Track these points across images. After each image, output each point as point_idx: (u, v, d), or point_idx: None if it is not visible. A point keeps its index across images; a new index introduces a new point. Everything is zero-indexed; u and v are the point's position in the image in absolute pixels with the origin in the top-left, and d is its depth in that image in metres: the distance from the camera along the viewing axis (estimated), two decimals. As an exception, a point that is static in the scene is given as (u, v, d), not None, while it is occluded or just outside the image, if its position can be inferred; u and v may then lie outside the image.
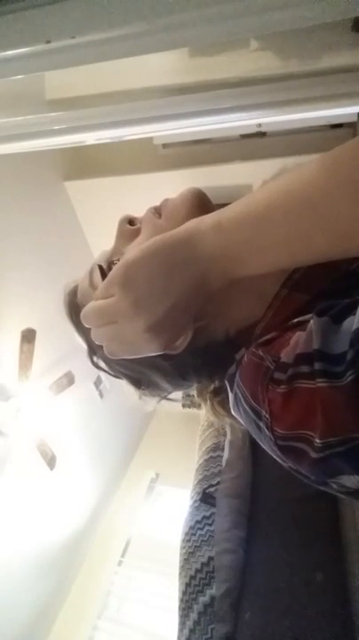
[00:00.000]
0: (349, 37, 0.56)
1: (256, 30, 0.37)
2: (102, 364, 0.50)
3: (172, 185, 2.34)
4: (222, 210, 0.34)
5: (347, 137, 2.04)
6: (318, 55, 0.58)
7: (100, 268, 0.45)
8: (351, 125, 2.00)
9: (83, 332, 0.50)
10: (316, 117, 1.00)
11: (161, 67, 0.63)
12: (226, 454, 1.47)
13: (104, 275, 0.45)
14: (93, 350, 0.50)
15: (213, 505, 1.31)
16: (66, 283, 0.53)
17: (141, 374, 0.48)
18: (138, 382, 0.50)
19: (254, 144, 2.17)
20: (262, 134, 2.12)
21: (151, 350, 0.36)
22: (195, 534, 1.26)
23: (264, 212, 0.30)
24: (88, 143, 0.74)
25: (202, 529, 1.26)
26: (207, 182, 2.20)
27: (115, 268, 0.36)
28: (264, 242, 0.30)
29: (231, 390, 0.40)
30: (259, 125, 1.83)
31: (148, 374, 0.47)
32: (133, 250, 0.44)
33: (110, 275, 0.35)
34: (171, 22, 0.35)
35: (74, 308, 0.50)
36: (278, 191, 0.30)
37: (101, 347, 0.38)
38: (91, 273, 0.48)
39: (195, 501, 1.37)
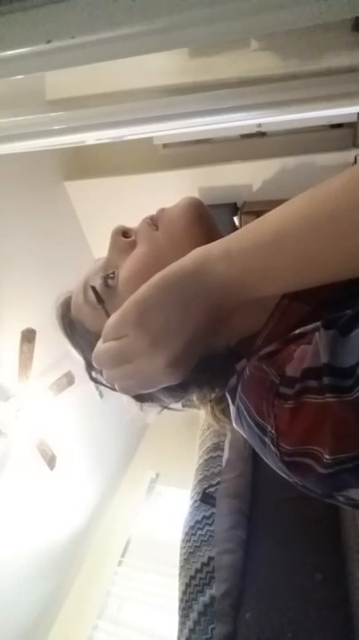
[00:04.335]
0: (349, 37, 0.56)
1: (256, 30, 0.37)
2: (101, 379, 0.49)
3: (172, 185, 2.36)
4: (230, 238, 0.33)
5: (347, 137, 2.04)
6: (318, 55, 0.58)
7: (94, 289, 0.44)
8: (351, 125, 2.01)
9: (79, 345, 0.49)
10: (316, 117, 1.00)
11: (161, 67, 0.63)
12: (226, 454, 1.47)
13: (99, 298, 0.44)
14: (91, 365, 0.49)
15: (213, 505, 1.30)
16: (57, 294, 0.52)
17: None
18: (139, 397, 0.49)
19: (254, 144, 2.17)
20: (262, 134, 2.12)
21: (171, 382, 0.36)
22: (195, 534, 1.26)
23: (275, 242, 0.30)
24: (88, 143, 0.74)
25: (202, 529, 1.26)
26: (207, 182, 2.20)
27: (125, 307, 0.35)
28: (276, 270, 0.31)
29: (233, 403, 0.39)
30: (259, 125, 1.83)
31: None
32: (130, 266, 0.43)
33: (121, 315, 0.35)
34: (171, 22, 0.35)
35: (68, 322, 0.49)
36: (286, 218, 0.30)
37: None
38: (85, 287, 0.46)
39: (195, 501, 1.37)
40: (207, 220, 0.44)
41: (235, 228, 0.37)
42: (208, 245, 0.34)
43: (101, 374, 0.48)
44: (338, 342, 0.28)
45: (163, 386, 0.37)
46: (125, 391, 0.38)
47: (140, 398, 0.49)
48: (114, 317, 0.35)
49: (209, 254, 0.33)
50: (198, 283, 0.33)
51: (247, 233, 0.32)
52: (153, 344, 0.33)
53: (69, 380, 2.02)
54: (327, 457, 0.26)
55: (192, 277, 0.33)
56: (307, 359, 0.29)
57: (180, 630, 1.10)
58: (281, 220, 0.30)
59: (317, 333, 0.29)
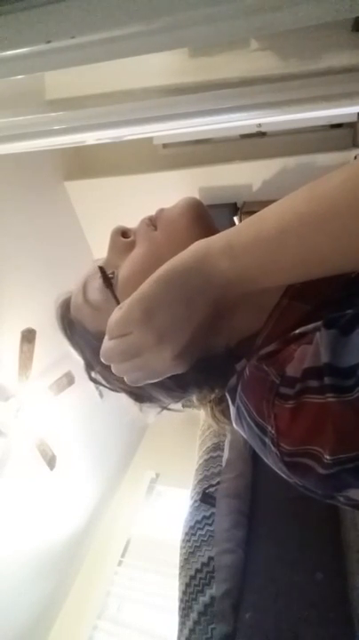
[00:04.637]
0: (349, 37, 0.56)
1: (256, 30, 0.37)
2: (100, 379, 0.49)
3: (172, 185, 2.36)
4: (231, 232, 0.33)
5: (347, 137, 2.04)
6: (318, 55, 0.58)
7: (101, 269, 0.44)
8: (351, 125, 2.01)
9: (79, 346, 0.49)
10: (316, 117, 1.00)
11: (161, 67, 0.63)
12: (226, 454, 1.47)
13: (107, 280, 0.44)
14: (91, 365, 0.49)
15: (213, 505, 1.31)
16: (57, 294, 0.52)
17: (141, 389, 0.47)
18: (138, 397, 0.49)
19: (254, 144, 2.17)
20: (262, 134, 2.12)
21: (177, 372, 0.37)
22: (195, 534, 1.26)
23: (276, 236, 0.30)
24: (88, 143, 0.74)
25: (202, 529, 1.26)
26: (207, 182, 2.20)
27: (128, 304, 0.35)
28: (278, 264, 0.31)
29: (233, 403, 0.39)
30: (259, 125, 1.83)
31: (149, 389, 0.46)
32: (130, 266, 0.43)
33: (125, 312, 0.35)
34: (171, 22, 0.35)
35: (68, 322, 0.49)
36: (287, 213, 0.30)
37: (103, 365, 0.38)
38: (84, 287, 0.47)
39: (195, 501, 1.37)
40: (206, 220, 0.44)
41: (235, 228, 0.36)
42: (207, 239, 0.34)
43: (101, 374, 0.48)
44: (339, 342, 0.28)
45: (171, 374, 0.38)
46: (134, 382, 0.38)
47: (140, 399, 0.49)
48: (118, 314, 0.35)
49: (209, 248, 0.33)
50: (200, 277, 0.33)
51: (247, 227, 0.32)
52: (159, 340, 0.34)
53: (69, 380, 2.01)
54: (327, 457, 0.26)
55: (194, 272, 0.33)
56: (307, 359, 0.29)
57: (180, 630, 1.10)
58: (281, 215, 0.30)
59: (318, 333, 0.29)
